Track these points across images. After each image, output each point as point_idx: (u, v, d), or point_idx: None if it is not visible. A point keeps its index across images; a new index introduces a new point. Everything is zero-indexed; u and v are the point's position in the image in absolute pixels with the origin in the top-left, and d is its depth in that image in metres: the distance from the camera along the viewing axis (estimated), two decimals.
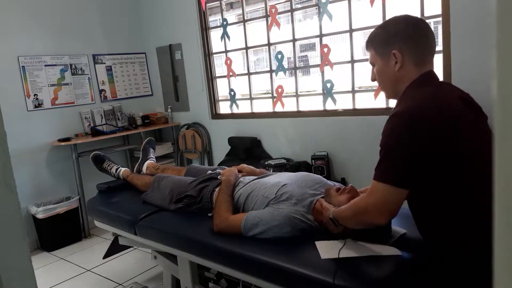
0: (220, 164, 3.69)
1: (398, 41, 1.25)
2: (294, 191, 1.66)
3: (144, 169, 2.66)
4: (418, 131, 1.12)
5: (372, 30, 1.37)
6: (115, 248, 2.59)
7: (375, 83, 1.36)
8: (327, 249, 1.44)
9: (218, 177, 2.03)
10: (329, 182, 1.85)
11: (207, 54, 3.83)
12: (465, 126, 1.17)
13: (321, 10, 2.98)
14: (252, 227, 1.60)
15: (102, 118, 3.88)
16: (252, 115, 3.63)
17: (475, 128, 1.20)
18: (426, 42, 1.26)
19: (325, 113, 3.14)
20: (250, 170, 2.14)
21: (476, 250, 1.07)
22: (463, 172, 1.15)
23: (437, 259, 1.24)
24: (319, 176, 1.89)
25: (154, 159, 2.77)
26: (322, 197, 1.65)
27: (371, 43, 1.34)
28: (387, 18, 2.69)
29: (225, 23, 3.61)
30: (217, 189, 1.93)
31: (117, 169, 2.66)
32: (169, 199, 2.12)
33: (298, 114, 3.31)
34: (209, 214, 1.89)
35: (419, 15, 2.56)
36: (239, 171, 2.11)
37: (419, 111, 1.14)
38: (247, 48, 3.58)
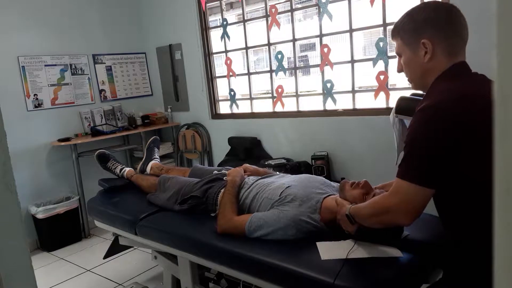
0: (220, 164, 3.69)
1: (428, 29, 1.15)
2: (299, 193, 1.65)
3: (148, 169, 2.64)
4: (445, 126, 1.05)
5: (397, 19, 1.25)
6: (115, 248, 2.59)
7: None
8: (327, 250, 1.44)
9: (224, 178, 2.02)
10: (332, 183, 1.84)
11: (207, 54, 3.83)
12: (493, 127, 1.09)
13: (321, 10, 2.98)
14: (257, 229, 1.60)
15: (102, 118, 3.88)
16: (252, 115, 3.63)
17: None
18: (459, 30, 1.16)
19: (325, 113, 3.14)
20: (254, 170, 2.13)
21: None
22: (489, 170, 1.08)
23: (454, 259, 1.19)
24: (322, 177, 1.88)
25: (159, 159, 2.74)
26: (329, 195, 1.65)
27: (397, 32, 1.24)
28: (387, 18, 2.72)
29: (225, 23, 3.61)
30: (222, 190, 1.92)
31: (121, 169, 2.64)
32: (174, 200, 2.11)
33: (298, 114, 3.31)
34: (212, 214, 1.88)
35: None
36: (243, 171, 2.10)
37: (447, 105, 1.07)
38: (247, 48, 3.58)
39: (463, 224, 1.16)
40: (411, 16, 1.20)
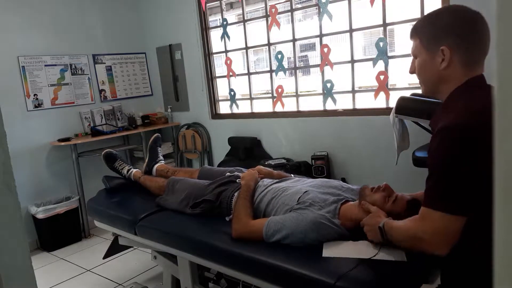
0: (220, 164, 3.69)
1: (449, 37, 1.10)
2: (317, 197, 1.61)
3: (153, 171, 2.59)
4: (471, 147, 0.99)
5: (417, 20, 1.21)
6: (115, 248, 2.58)
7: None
8: (331, 248, 1.44)
9: (237, 180, 1.98)
10: (350, 186, 1.80)
11: (207, 54, 3.83)
12: None
13: (321, 10, 2.98)
14: (275, 233, 1.54)
15: (102, 118, 3.88)
16: (252, 115, 3.63)
17: None
18: (481, 41, 1.10)
19: (325, 113, 3.14)
20: (268, 172, 2.07)
21: None
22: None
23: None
24: (339, 181, 1.84)
25: (163, 160, 2.68)
26: (347, 201, 1.61)
27: (416, 33, 1.19)
28: (387, 18, 2.72)
29: (225, 23, 3.61)
30: (236, 193, 1.87)
31: (128, 170, 2.58)
32: (185, 203, 2.05)
33: (298, 114, 3.31)
34: (227, 219, 1.83)
35: (419, 15, 2.56)
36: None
37: (470, 124, 1.02)
38: (247, 48, 3.58)
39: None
40: (433, 19, 1.16)
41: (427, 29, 1.16)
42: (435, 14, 1.17)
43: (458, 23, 1.11)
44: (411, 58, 1.26)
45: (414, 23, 1.26)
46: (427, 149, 1.34)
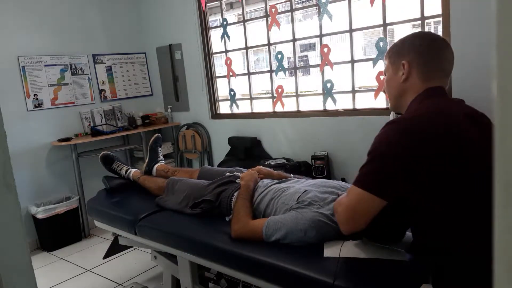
0: (220, 164, 3.69)
1: (410, 53, 1.24)
2: (316, 196, 1.62)
3: (153, 171, 2.60)
4: (411, 140, 1.08)
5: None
6: (115, 248, 2.59)
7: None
8: (332, 248, 1.44)
9: (237, 180, 1.98)
10: (349, 185, 1.81)
11: (207, 54, 3.84)
12: (466, 144, 1.09)
13: (321, 10, 2.98)
14: (274, 232, 1.54)
15: (102, 118, 3.88)
16: (252, 115, 3.63)
17: (476, 147, 1.09)
18: (439, 60, 1.23)
19: (325, 113, 3.14)
20: (268, 172, 2.07)
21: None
22: (459, 191, 1.07)
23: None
24: (338, 181, 1.85)
25: (163, 160, 2.69)
26: None
27: (387, 53, 1.33)
28: (387, 18, 2.72)
29: (225, 23, 3.61)
30: (236, 193, 1.87)
31: (127, 170, 2.59)
32: (185, 203, 2.05)
33: (298, 114, 3.31)
34: (227, 218, 1.84)
35: (419, 15, 2.56)
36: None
37: (416, 121, 1.12)
38: (247, 48, 3.58)
39: (449, 236, 1.13)
40: (403, 39, 1.30)
41: (394, 49, 1.30)
42: (404, 36, 1.31)
43: (418, 43, 1.24)
44: None
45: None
46: None
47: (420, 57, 1.22)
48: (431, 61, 1.23)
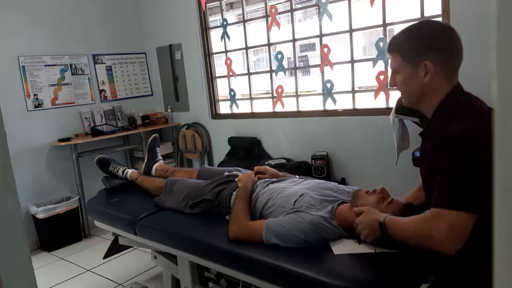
0: (220, 164, 3.69)
1: (431, 51, 1.18)
2: (313, 199, 1.61)
3: (153, 171, 2.60)
4: (485, 153, 1.07)
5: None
6: (115, 248, 2.59)
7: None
8: (338, 246, 1.45)
9: (236, 179, 1.98)
10: (346, 188, 1.79)
11: (207, 54, 3.83)
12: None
13: (321, 10, 2.98)
14: (274, 234, 1.53)
15: (102, 118, 3.88)
16: (252, 115, 3.63)
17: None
18: (458, 53, 1.19)
19: (325, 113, 3.14)
20: (274, 173, 2.07)
21: None
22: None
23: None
24: (334, 183, 1.84)
25: (162, 160, 2.70)
26: (343, 203, 1.60)
27: (397, 49, 1.25)
28: (387, 18, 2.72)
29: (225, 23, 3.61)
30: (234, 193, 1.88)
31: (123, 171, 2.59)
32: (185, 203, 2.05)
33: (298, 114, 3.31)
34: (227, 217, 1.83)
35: (419, 15, 2.56)
36: (262, 173, 2.04)
37: (481, 132, 1.07)
38: (247, 48, 3.58)
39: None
40: (413, 34, 1.22)
41: (408, 46, 1.22)
42: (413, 29, 1.24)
43: (438, 38, 1.19)
44: None
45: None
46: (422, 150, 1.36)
47: (443, 55, 1.18)
48: (451, 57, 1.20)
